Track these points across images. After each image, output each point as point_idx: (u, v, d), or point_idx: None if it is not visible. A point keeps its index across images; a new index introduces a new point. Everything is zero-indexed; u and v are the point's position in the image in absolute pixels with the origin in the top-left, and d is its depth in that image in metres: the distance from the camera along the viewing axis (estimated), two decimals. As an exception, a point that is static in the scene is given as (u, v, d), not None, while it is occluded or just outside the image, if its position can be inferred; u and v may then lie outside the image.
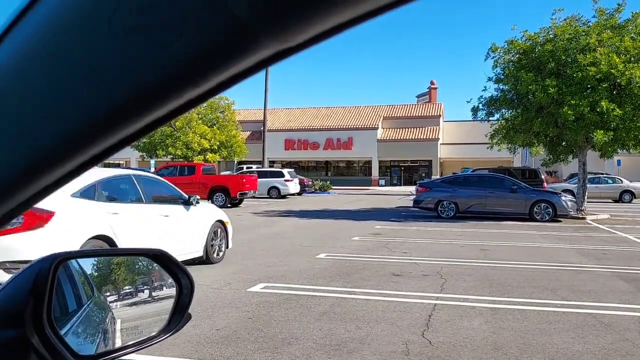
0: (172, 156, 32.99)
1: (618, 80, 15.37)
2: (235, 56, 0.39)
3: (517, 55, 17.59)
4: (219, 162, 38.38)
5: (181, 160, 31.96)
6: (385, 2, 0.36)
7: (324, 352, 4.36)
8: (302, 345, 4.54)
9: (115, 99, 0.42)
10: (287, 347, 4.47)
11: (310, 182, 35.61)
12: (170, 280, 1.15)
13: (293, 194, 30.41)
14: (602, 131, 15.56)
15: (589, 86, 16.01)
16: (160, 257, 1.12)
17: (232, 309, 5.68)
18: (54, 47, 0.42)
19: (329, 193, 35.90)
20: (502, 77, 17.99)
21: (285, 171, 30.53)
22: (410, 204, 19.54)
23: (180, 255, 7.14)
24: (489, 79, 18.86)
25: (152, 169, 28.59)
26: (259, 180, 25.72)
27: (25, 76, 0.45)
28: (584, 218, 17.08)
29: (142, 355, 3.43)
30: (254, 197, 26.37)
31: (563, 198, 16.52)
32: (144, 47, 0.39)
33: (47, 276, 0.83)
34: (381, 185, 45.73)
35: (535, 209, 16.16)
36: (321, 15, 0.36)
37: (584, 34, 16.22)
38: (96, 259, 1.24)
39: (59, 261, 0.88)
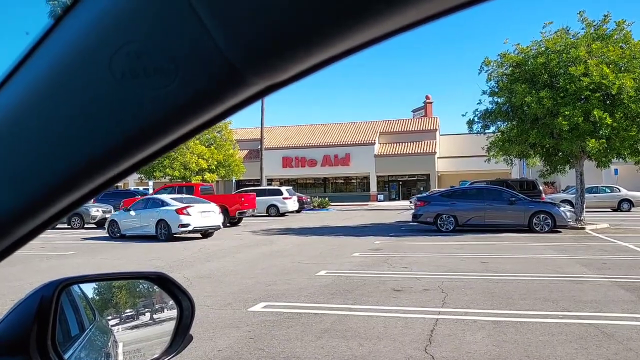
0: (170, 177, 33.02)
1: (609, 90, 15.51)
2: (226, 96, 0.42)
3: (510, 68, 17.77)
4: (217, 181, 38.38)
5: (179, 180, 31.98)
6: (359, 42, 0.39)
7: (326, 371, 4.33)
8: (304, 364, 4.51)
9: (113, 138, 0.44)
10: (289, 367, 4.44)
11: (308, 199, 35.57)
12: (172, 302, 1.16)
13: (292, 212, 30.37)
14: (594, 140, 15.65)
15: (582, 97, 16.16)
16: (161, 280, 1.13)
17: (233, 329, 5.65)
18: (57, 89, 0.45)
19: (327, 210, 35.86)
20: (497, 90, 18.15)
21: (283, 189, 30.53)
22: (410, 218, 19.53)
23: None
24: (484, 92, 19.05)
25: (151, 191, 28.59)
26: (257, 198, 25.72)
27: (28, 117, 0.47)
28: (583, 228, 17.08)
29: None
30: (252, 216, 26.33)
31: (562, 208, 16.52)
32: (141, 89, 0.42)
33: (51, 302, 0.84)
34: (380, 201, 45.72)
35: (534, 220, 16.16)
36: (303, 57, 0.39)
37: (573, 46, 16.41)
38: (97, 283, 1.26)
39: (62, 287, 0.90)
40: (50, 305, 0.84)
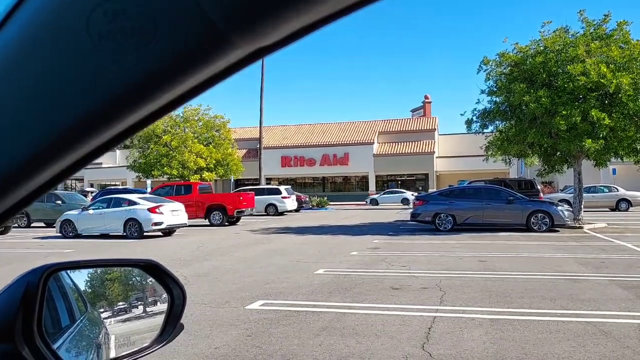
0: (168, 176, 32.94)
1: (607, 89, 15.50)
2: (210, 58, 0.40)
3: (508, 68, 17.75)
4: (215, 180, 38.34)
5: (177, 179, 31.92)
6: (350, 2, 0.38)
7: (323, 368, 4.31)
8: (301, 361, 4.49)
9: (94, 101, 0.43)
10: (286, 364, 4.43)
11: (307, 199, 35.57)
12: (165, 295, 1.14)
13: (290, 211, 30.36)
14: (591, 140, 15.65)
15: (580, 96, 16.16)
16: (151, 267, 1.11)
17: (230, 327, 5.63)
18: (35, 51, 0.43)
19: (326, 209, 35.86)
20: (495, 89, 18.13)
21: (282, 188, 30.52)
22: (408, 217, 19.53)
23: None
24: (482, 92, 19.01)
25: (149, 189, 28.54)
26: (256, 197, 25.72)
27: (5, 79, 0.45)
28: (581, 227, 17.08)
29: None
30: (251, 215, 26.32)
31: (560, 208, 16.53)
32: (121, 51, 0.40)
33: (37, 287, 0.82)
34: (378, 200, 45.70)
35: (532, 219, 16.16)
36: (290, 15, 0.37)
37: (572, 45, 16.40)
38: (89, 274, 1.24)
39: (49, 272, 0.88)
40: (36, 291, 0.82)
